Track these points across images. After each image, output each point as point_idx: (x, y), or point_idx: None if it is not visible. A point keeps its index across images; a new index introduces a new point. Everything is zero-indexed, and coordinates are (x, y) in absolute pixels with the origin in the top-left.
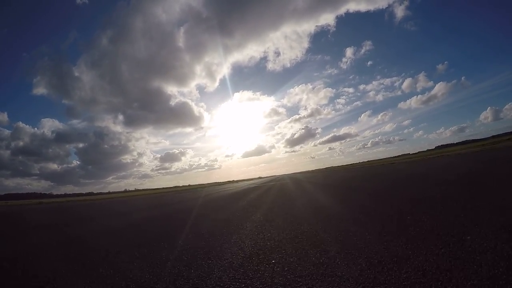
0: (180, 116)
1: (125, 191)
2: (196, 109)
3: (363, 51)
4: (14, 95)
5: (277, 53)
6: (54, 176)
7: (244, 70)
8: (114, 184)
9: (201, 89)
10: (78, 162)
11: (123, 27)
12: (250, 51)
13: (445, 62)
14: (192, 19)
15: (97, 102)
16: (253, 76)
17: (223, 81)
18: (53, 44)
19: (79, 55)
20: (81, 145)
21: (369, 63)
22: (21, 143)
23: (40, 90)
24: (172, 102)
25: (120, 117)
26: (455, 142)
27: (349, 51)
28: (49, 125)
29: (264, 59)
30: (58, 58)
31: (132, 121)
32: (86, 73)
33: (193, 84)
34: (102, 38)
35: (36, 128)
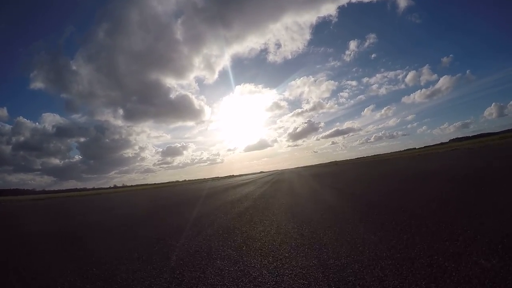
0: (180, 109)
1: (115, 187)
2: (196, 102)
3: (367, 43)
4: (12, 90)
5: (278, 45)
6: (56, 171)
7: (244, 62)
8: (117, 179)
9: (200, 81)
10: (80, 157)
11: (118, 20)
12: (250, 43)
13: (450, 55)
14: (188, 10)
15: (95, 95)
16: (254, 69)
17: (222, 73)
18: (49, 38)
19: (76, 49)
20: (82, 139)
21: (373, 55)
22: (22, 138)
23: (37, 84)
24: (172, 95)
25: (120, 111)
26: (470, 135)
27: (352, 44)
28: (50, 120)
29: (264, 51)
30: (54, 52)
31: (132, 115)
32: (84, 67)
33: (191, 77)
34: (98, 31)
35: (37, 123)
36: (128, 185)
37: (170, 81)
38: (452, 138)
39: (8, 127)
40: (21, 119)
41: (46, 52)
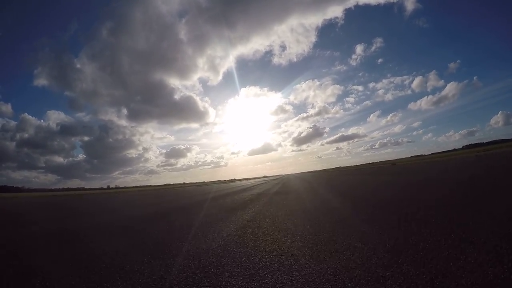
0: (185, 110)
1: (108, 188)
2: (200, 103)
3: (373, 48)
4: (16, 87)
5: (283, 47)
6: (60, 170)
7: (248, 64)
8: (120, 179)
9: (204, 82)
10: (84, 156)
11: (122, 18)
12: (254, 45)
13: (458, 61)
14: (192, 10)
15: (99, 94)
16: (259, 71)
17: (226, 75)
18: (54, 36)
19: (80, 47)
20: (86, 138)
21: (379, 60)
22: (26, 135)
23: (41, 81)
24: (176, 96)
25: (124, 110)
26: (484, 142)
27: (359, 48)
28: (55, 117)
29: (269, 52)
30: (59, 49)
31: (136, 115)
32: (88, 65)
33: (195, 78)
34: (101, 30)
35: (42, 120)
36: (121, 186)
37: (174, 82)
38: (465, 145)
39: (12, 123)
40: (26, 115)
41: (50, 49)
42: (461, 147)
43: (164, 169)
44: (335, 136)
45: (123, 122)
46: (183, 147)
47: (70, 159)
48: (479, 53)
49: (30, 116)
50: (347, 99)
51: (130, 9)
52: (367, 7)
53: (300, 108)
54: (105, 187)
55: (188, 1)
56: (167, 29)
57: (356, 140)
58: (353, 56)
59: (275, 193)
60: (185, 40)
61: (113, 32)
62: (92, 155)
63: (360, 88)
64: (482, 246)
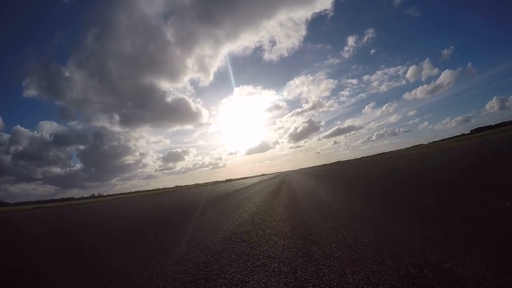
0: (177, 112)
1: (93, 196)
2: (193, 105)
3: (365, 39)
4: (5, 99)
5: (273, 42)
6: (58, 180)
7: (239, 61)
8: (119, 186)
9: (195, 84)
10: (81, 165)
11: (107, 23)
12: (243, 41)
13: (451, 47)
14: (177, 10)
15: (90, 102)
16: (250, 69)
17: (217, 75)
18: (39, 45)
19: (67, 55)
20: (81, 147)
21: (372, 51)
22: (20, 148)
23: (30, 92)
24: (167, 99)
25: (116, 116)
26: (493, 124)
27: (351, 40)
28: (47, 128)
29: (259, 48)
30: (46, 59)
31: (128, 120)
32: (76, 73)
33: (186, 79)
34: (87, 36)
35: (35, 131)
36: (105, 194)
37: (164, 85)
38: (473, 129)
39: (6, 136)
40: (18, 128)
41: (37, 59)
42: (469, 131)
43: (163, 173)
44: (331, 130)
45: (117, 128)
46: (180, 150)
47: (68, 169)
48: (472, 39)
49: (23, 128)
50: (342, 92)
51: (114, 13)
52: None
53: (294, 103)
54: (88, 196)
55: (172, 1)
56: (153, 31)
57: (352, 132)
58: (345, 48)
59: None
60: (173, 41)
61: (99, 38)
62: (89, 164)
63: (354, 81)
64: None
